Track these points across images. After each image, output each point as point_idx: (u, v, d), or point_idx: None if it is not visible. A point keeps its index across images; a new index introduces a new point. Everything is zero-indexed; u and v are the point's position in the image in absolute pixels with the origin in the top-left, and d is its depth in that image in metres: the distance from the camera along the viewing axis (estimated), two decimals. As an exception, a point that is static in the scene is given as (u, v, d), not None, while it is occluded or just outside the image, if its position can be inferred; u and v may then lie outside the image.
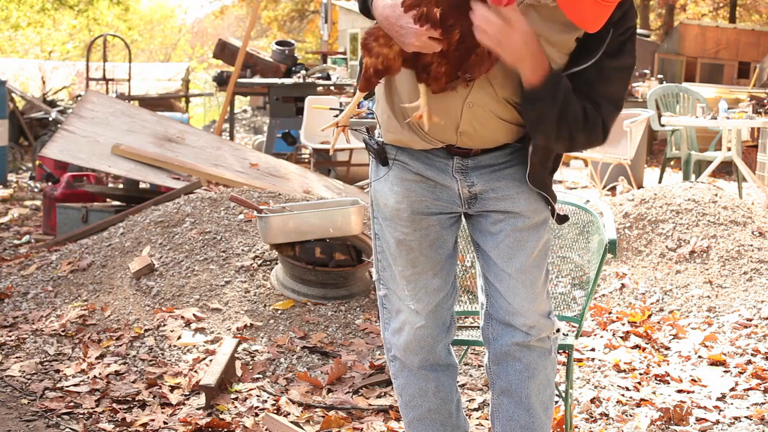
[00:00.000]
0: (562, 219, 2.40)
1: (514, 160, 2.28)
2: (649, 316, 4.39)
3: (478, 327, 3.06)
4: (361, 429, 3.19)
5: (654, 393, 3.55)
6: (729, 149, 7.62)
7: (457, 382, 2.52)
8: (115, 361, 3.75)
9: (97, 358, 3.80)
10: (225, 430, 3.17)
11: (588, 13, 1.98)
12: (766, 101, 8.17)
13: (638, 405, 3.43)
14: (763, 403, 3.44)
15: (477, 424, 3.21)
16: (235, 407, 3.36)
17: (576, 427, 3.23)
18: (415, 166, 2.29)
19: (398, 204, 2.30)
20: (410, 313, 2.36)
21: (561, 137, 2.16)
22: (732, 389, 3.56)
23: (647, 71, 13.08)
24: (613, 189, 8.54)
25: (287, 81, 10.23)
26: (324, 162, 9.18)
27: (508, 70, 2.13)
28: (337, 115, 7.64)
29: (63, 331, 4.08)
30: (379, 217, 2.38)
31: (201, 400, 3.39)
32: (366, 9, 2.22)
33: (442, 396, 2.44)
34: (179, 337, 3.91)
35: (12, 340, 4.02)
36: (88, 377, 3.62)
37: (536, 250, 2.31)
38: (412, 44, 2.04)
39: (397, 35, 2.07)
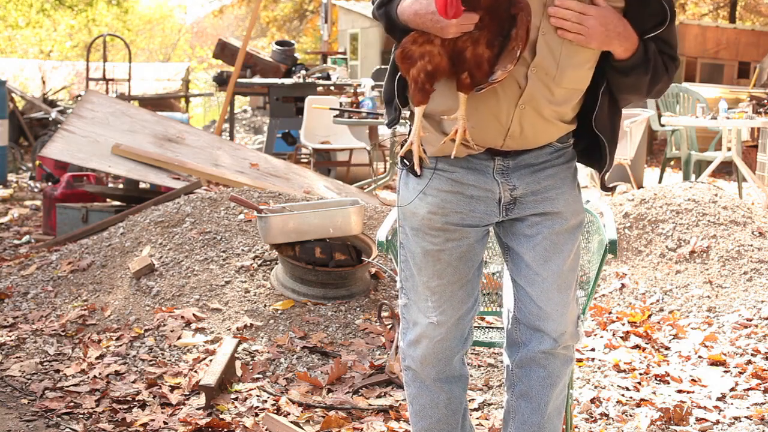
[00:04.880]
0: (612, 189, 2.39)
1: (555, 160, 2.25)
2: (649, 316, 4.39)
3: (478, 326, 3.07)
4: (361, 429, 3.19)
5: (654, 393, 3.55)
6: (729, 149, 7.62)
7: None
8: (115, 361, 3.75)
9: (97, 358, 3.80)
10: (225, 430, 3.17)
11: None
12: (766, 101, 8.16)
13: (638, 405, 3.43)
14: (763, 403, 3.44)
15: (477, 425, 3.21)
16: (235, 407, 3.36)
17: (576, 427, 3.23)
18: (455, 172, 2.21)
19: (431, 214, 2.23)
20: (428, 326, 2.31)
21: (649, 93, 2.21)
22: (732, 389, 3.56)
23: (647, 71, 13.05)
24: (612, 189, 8.54)
25: (287, 81, 10.22)
26: (324, 162, 9.17)
27: (559, 63, 2.11)
28: (337, 115, 7.66)
29: (63, 331, 4.08)
30: (406, 226, 2.31)
31: (201, 400, 3.39)
32: (392, 27, 2.15)
33: (453, 407, 2.42)
34: (179, 337, 3.91)
35: (12, 340, 4.02)
36: (88, 377, 3.62)
37: (572, 254, 2.28)
38: (449, 26, 1.98)
39: (433, 24, 2.00)
